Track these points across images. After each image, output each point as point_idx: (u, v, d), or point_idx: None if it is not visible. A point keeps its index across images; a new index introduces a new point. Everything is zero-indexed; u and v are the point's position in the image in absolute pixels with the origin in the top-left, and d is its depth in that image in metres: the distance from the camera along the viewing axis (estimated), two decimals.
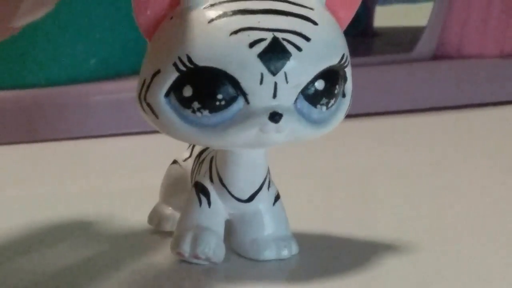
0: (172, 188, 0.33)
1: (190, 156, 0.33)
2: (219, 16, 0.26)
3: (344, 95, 0.29)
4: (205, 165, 0.31)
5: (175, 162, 0.34)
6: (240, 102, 0.26)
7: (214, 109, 0.26)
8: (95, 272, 0.30)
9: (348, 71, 0.28)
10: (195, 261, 0.30)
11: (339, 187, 0.41)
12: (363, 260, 0.30)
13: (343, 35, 0.28)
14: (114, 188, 0.42)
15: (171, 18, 0.27)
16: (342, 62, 0.28)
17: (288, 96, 0.27)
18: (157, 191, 0.35)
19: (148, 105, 0.27)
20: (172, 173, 0.34)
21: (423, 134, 0.53)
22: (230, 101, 0.26)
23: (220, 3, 0.27)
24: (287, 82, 0.26)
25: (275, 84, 0.26)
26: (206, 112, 0.27)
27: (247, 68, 0.26)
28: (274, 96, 0.26)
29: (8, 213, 0.38)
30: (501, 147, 0.48)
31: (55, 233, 0.35)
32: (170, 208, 0.33)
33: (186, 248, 0.29)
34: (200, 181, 0.30)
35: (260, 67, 0.26)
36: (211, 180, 0.30)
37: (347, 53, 0.28)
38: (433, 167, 0.44)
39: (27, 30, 0.54)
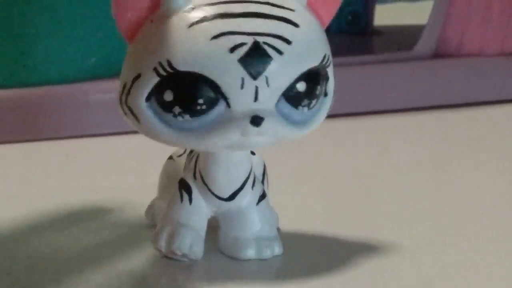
0: (166, 183, 0.33)
1: (184, 152, 0.33)
2: (200, 20, 0.26)
3: (326, 94, 0.29)
4: (192, 163, 0.31)
5: (170, 157, 0.34)
6: (221, 106, 0.26)
7: (195, 114, 0.27)
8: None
9: (330, 70, 0.28)
10: (174, 257, 0.30)
11: (339, 187, 0.41)
12: (351, 261, 0.30)
13: (324, 34, 0.28)
14: (114, 186, 0.42)
15: (152, 21, 0.27)
16: (324, 62, 0.28)
17: (269, 99, 0.27)
18: (156, 188, 0.35)
19: (129, 108, 0.28)
20: (167, 169, 0.34)
21: (424, 133, 0.53)
22: (211, 105, 0.26)
23: (200, 6, 0.27)
24: (268, 85, 0.26)
25: (256, 88, 0.26)
26: (187, 117, 0.27)
27: (228, 73, 0.26)
28: (256, 99, 0.26)
29: (8, 211, 0.38)
30: (502, 146, 0.48)
31: (52, 229, 0.35)
32: (163, 203, 0.33)
33: (162, 244, 0.30)
34: (184, 178, 0.31)
35: (241, 72, 0.26)
36: (194, 177, 0.30)
37: (328, 52, 0.28)
38: (433, 165, 0.44)
39: (27, 29, 0.54)
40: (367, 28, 0.80)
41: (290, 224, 0.33)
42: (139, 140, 0.51)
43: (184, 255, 0.30)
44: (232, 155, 0.29)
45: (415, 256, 0.31)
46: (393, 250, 0.31)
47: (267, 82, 0.26)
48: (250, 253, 0.30)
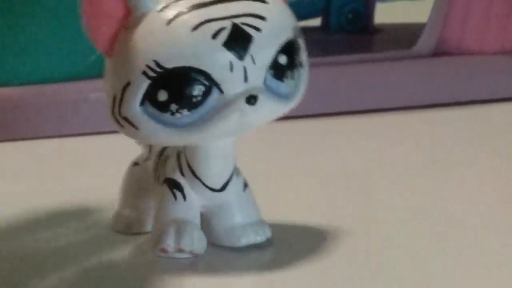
0: (135, 189, 0.33)
1: (150, 156, 0.33)
2: (176, 16, 0.27)
3: (301, 65, 0.29)
4: (172, 161, 0.31)
5: (136, 163, 0.34)
6: (214, 94, 0.27)
7: (192, 107, 0.27)
8: (82, 269, 0.30)
9: (301, 41, 0.29)
10: (177, 255, 0.30)
11: (337, 184, 0.41)
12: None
13: (288, 7, 0.29)
14: (114, 183, 0.42)
15: (126, 28, 0.28)
16: (296, 34, 0.29)
17: (257, 76, 0.27)
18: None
19: (125, 119, 0.28)
20: (134, 175, 0.34)
21: (423, 131, 0.53)
22: (206, 94, 0.27)
23: (172, 3, 0.27)
24: (254, 64, 0.27)
25: (244, 68, 0.27)
26: (185, 111, 0.27)
27: (216, 60, 0.27)
28: (246, 80, 0.27)
29: (6, 207, 0.38)
30: (502, 144, 0.48)
31: (46, 227, 0.35)
32: (134, 210, 0.33)
33: (170, 243, 0.30)
34: (170, 177, 0.31)
35: (228, 56, 0.27)
36: (182, 174, 0.30)
37: (296, 23, 0.29)
38: (433, 164, 0.44)
39: (26, 27, 0.54)
40: (368, 27, 0.80)
41: (286, 217, 0.33)
42: None
43: (190, 251, 0.30)
44: (221, 145, 0.30)
45: (409, 250, 0.31)
46: (389, 244, 0.31)
47: (253, 61, 0.27)
48: (246, 239, 0.31)
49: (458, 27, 0.60)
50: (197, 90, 0.27)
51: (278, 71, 0.28)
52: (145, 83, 0.27)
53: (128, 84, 0.27)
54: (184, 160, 0.30)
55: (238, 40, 0.27)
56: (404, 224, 0.34)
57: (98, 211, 0.37)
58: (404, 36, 0.67)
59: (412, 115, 0.56)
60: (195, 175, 0.30)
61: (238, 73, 0.27)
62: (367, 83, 0.58)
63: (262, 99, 0.27)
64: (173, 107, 0.27)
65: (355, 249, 0.31)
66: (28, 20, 0.53)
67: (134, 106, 0.27)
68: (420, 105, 0.58)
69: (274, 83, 0.28)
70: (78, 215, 0.37)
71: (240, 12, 0.27)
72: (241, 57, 0.27)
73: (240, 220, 0.31)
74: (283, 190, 0.39)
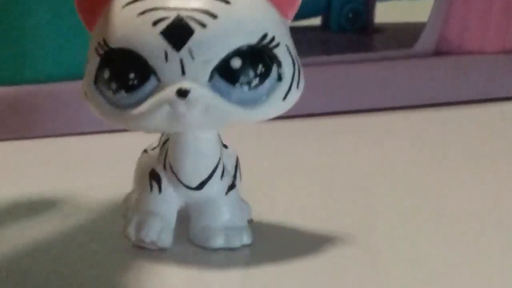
0: (140, 175, 0.34)
1: (158, 145, 0.33)
2: (133, 1, 0.28)
3: (280, 79, 0.28)
4: (163, 153, 0.31)
5: (145, 151, 0.34)
6: (152, 81, 0.27)
7: (129, 89, 0.28)
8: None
9: (282, 54, 0.28)
10: (142, 245, 0.30)
11: (337, 183, 0.41)
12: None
13: (273, 16, 0.28)
14: (115, 182, 0.42)
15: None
16: (265, 42, 0.28)
17: (198, 73, 0.27)
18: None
19: (85, 93, 0.29)
20: (142, 162, 0.34)
21: (424, 131, 0.53)
22: (143, 80, 0.27)
23: None
24: (192, 58, 0.27)
25: (181, 60, 0.27)
26: (123, 92, 0.28)
27: (151, 46, 0.27)
28: (183, 73, 0.27)
29: (5, 207, 0.38)
30: (502, 144, 0.48)
31: (49, 227, 0.35)
32: None
33: (131, 232, 0.30)
34: (154, 168, 0.31)
35: (163, 44, 0.27)
36: (164, 167, 0.31)
37: (276, 34, 0.28)
38: (433, 164, 0.44)
39: (28, 27, 0.54)
40: (368, 26, 0.80)
41: (285, 217, 0.33)
42: (142, 138, 0.51)
43: (152, 243, 0.30)
44: (198, 144, 0.30)
45: (409, 250, 0.31)
46: (389, 245, 0.31)
47: (191, 55, 0.27)
48: (219, 242, 0.31)
49: (459, 26, 0.60)
50: (134, 73, 0.27)
51: (228, 73, 0.27)
52: (96, 60, 0.28)
53: (87, 61, 0.29)
54: (168, 154, 0.31)
55: (176, 31, 0.27)
56: (404, 224, 0.34)
57: (98, 211, 0.37)
58: (404, 36, 0.67)
59: (412, 115, 0.56)
60: (172, 170, 0.30)
61: (174, 65, 0.27)
62: (367, 82, 0.58)
63: (198, 95, 0.27)
64: (113, 86, 0.28)
65: (355, 250, 0.31)
66: (28, 19, 0.53)
67: (90, 81, 0.29)
68: (420, 105, 0.58)
69: (223, 85, 0.27)
70: (78, 215, 0.37)
71: (191, 6, 0.27)
72: (177, 48, 0.27)
73: (217, 222, 0.31)
74: (282, 190, 0.40)
